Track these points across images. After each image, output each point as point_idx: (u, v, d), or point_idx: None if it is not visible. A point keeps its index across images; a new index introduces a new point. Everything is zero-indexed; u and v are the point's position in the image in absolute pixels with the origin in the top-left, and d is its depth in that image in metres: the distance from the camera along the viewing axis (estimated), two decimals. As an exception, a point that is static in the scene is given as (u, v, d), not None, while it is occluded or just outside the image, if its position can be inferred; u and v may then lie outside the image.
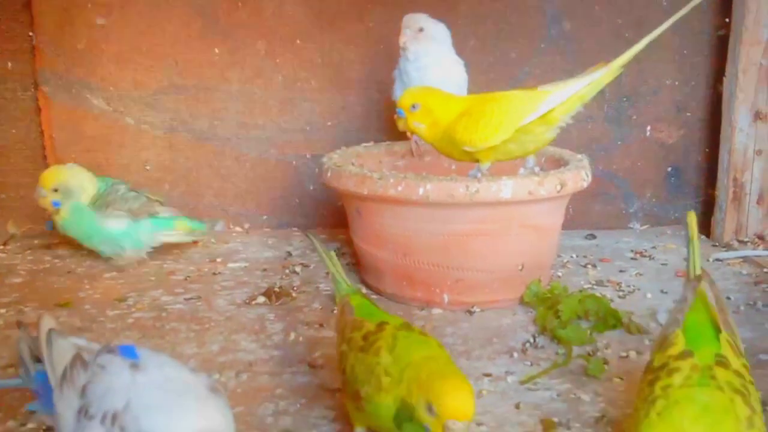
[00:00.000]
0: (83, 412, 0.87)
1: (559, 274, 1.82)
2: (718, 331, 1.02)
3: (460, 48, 1.88)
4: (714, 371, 0.93)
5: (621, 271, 1.85)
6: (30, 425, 1.15)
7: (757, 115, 2.00)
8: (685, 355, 0.97)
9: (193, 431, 0.83)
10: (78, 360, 0.93)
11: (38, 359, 0.98)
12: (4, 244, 2.01)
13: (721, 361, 0.95)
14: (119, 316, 1.57)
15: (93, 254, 1.87)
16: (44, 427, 1.14)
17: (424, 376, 0.95)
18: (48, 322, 1.00)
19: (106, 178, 1.85)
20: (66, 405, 0.90)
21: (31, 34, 2.05)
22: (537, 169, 1.59)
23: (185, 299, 1.66)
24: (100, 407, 0.86)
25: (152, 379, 0.88)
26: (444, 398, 0.91)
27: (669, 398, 0.91)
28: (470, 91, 1.88)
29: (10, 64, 2.07)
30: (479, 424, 1.17)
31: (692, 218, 1.17)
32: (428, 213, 1.53)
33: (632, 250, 2.00)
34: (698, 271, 1.12)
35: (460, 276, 1.58)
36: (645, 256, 1.95)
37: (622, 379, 1.31)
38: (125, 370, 0.89)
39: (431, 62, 1.83)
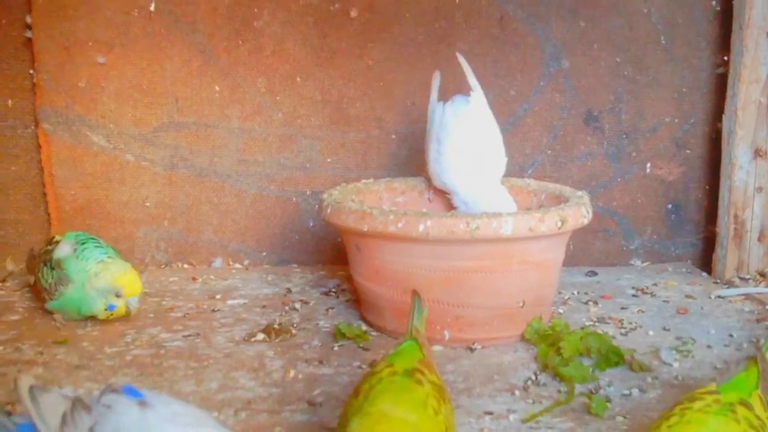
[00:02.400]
0: None
1: (560, 310, 1.81)
2: (755, 389, 1.04)
3: (458, 84, 1.89)
4: (735, 407, 0.96)
5: (622, 308, 1.84)
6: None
7: (757, 153, 2.00)
8: (712, 392, 1.01)
9: None
10: (79, 404, 0.93)
11: (9, 413, 0.98)
12: (3, 281, 2.00)
13: (745, 403, 0.98)
14: (117, 353, 1.56)
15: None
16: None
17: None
18: (26, 381, 0.99)
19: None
20: None
21: (31, 71, 2.05)
22: None
23: (184, 336, 1.65)
24: None
25: (161, 415, 0.88)
26: None
27: (683, 417, 0.95)
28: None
29: (10, 101, 2.07)
30: (481, 463, 1.16)
31: None
32: (428, 249, 1.53)
33: (633, 287, 1.99)
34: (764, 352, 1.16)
35: (460, 313, 1.57)
36: (646, 293, 1.94)
37: (625, 417, 1.30)
38: (133, 408, 0.89)
39: None
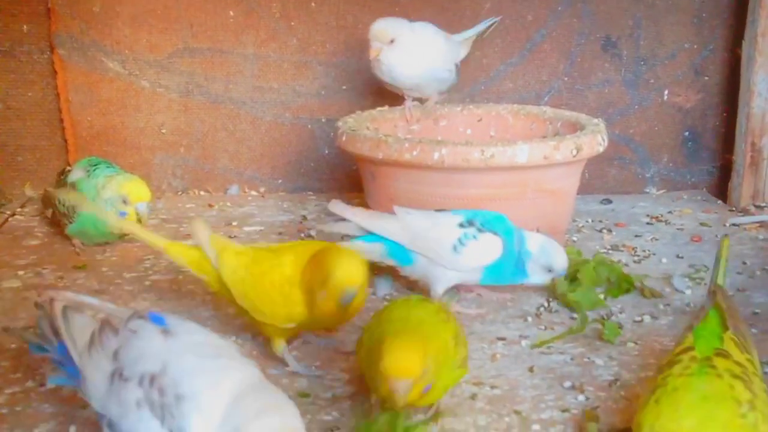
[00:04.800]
0: (117, 375, 0.89)
1: (575, 238, 1.82)
2: (724, 331, 1.02)
3: (475, 10, 1.87)
4: (713, 361, 0.94)
5: (636, 235, 1.85)
6: (49, 385, 1.17)
7: (776, 79, 1.98)
8: (687, 350, 0.98)
9: (232, 391, 0.85)
10: (107, 325, 0.95)
11: (57, 332, 1.00)
12: (22, 206, 2.02)
13: (721, 353, 0.96)
14: (136, 278, 1.58)
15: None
16: (61, 388, 1.15)
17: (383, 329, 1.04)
18: (61, 301, 1.01)
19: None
20: (95, 368, 0.92)
21: (46, -4, 2.05)
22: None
23: (201, 262, 1.67)
24: (135, 370, 0.88)
25: (184, 344, 0.91)
26: (386, 358, 0.97)
27: (667, 386, 0.92)
28: (485, 52, 1.86)
29: (25, 26, 2.06)
30: (493, 387, 1.18)
31: (726, 242, 1.22)
32: (443, 177, 1.53)
33: (648, 215, 1.99)
34: (720, 283, 1.16)
35: (474, 240, 1.58)
36: (661, 221, 1.95)
37: (636, 343, 1.31)
38: (157, 335, 0.91)
39: (407, 73, 1.81)
